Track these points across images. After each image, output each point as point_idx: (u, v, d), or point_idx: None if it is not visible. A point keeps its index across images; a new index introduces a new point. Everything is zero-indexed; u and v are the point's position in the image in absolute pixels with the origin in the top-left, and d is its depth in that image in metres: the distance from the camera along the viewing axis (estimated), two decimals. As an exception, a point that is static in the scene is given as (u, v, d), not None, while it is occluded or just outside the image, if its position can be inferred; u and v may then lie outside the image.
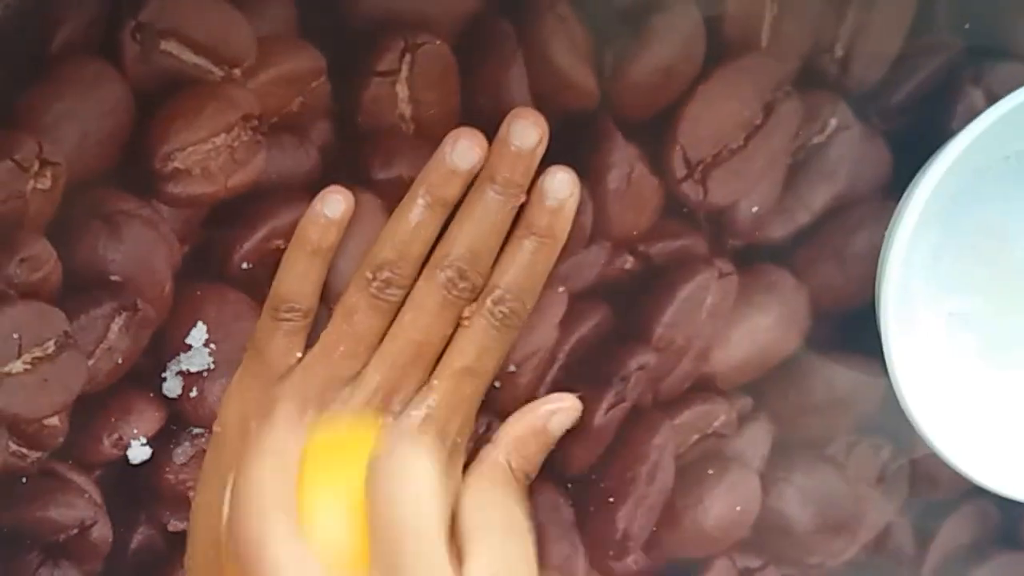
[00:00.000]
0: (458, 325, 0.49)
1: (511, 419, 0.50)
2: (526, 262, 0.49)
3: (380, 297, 0.48)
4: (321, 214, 0.49)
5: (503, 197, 0.48)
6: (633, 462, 0.51)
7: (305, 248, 0.49)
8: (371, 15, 0.49)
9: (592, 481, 0.51)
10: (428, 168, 0.49)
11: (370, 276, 0.48)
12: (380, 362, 0.49)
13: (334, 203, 0.49)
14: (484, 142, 0.48)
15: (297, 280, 0.49)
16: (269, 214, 0.49)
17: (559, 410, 0.50)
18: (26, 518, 0.49)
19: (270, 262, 0.50)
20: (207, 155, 0.48)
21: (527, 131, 0.48)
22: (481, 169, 0.48)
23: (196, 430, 0.50)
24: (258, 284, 0.50)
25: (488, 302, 0.48)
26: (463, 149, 0.48)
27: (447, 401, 0.48)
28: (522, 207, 0.49)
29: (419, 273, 0.49)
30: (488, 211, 0.48)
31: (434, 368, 0.49)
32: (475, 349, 0.48)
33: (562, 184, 0.48)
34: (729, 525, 0.52)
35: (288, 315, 0.49)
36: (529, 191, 0.49)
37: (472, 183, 0.49)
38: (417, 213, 0.48)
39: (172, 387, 0.50)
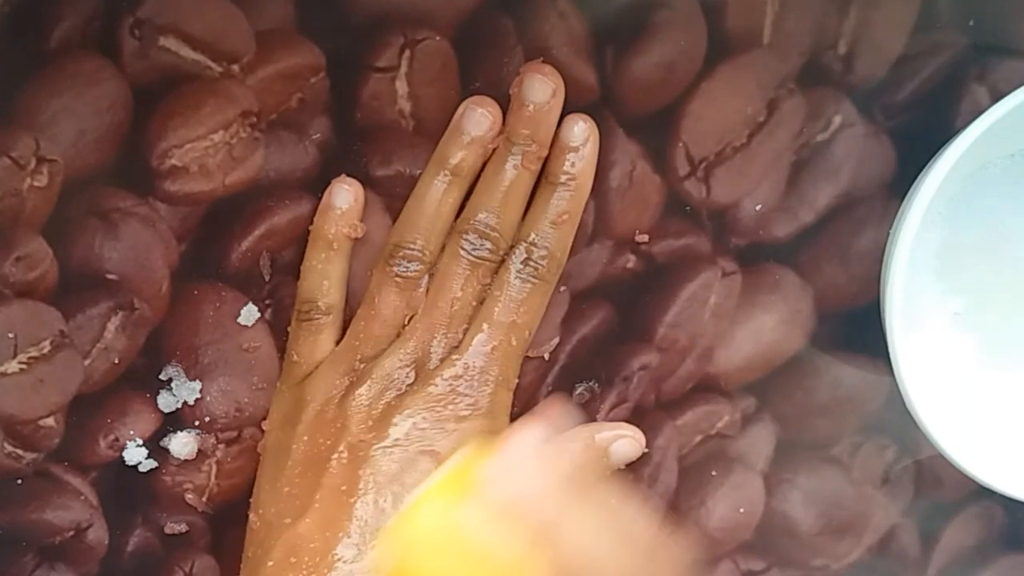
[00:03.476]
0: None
1: (572, 431, 0.49)
2: (549, 211, 0.48)
3: (400, 274, 0.48)
4: (331, 206, 0.48)
5: (521, 156, 0.48)
6: (636, 463, 0.51)
7: (318, 243, 0.48)
8: (370, 11, 0.48)
9: (594, 482, 0.51)
10: (443, 141, 0.48)
11: (389, 255, 0.48)
12: (408, 334, 0.48)
13: (342, 194, 0.48)
14: (497, 108, 0.48)
15: (315, 276, 0.49)
16: (268, 212, 0.49)
17: (624, 436, 0.49)
18: (22, 520, 0.49)
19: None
20: (205, 152, 0.48)
21: (539, 86, 0.48)
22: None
23: (194, 431, 0.50)
24: (256, 283, 0.50)
25: (514, 255, 0.48)
26: (476, 116, 0.48)
27: (478, 352, 0.48)
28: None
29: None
30: (507, 172, 0.48)
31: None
32: (503, 302, 0.48)
33: (580, 131, 0.48)
34: (732, 527, 0.52)
35: (310, 314, 0.48)
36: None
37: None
38: (435, 188, 0.48)
39: (167, 403, 0.50)
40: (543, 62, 0.48)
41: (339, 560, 0.45)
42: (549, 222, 0.48)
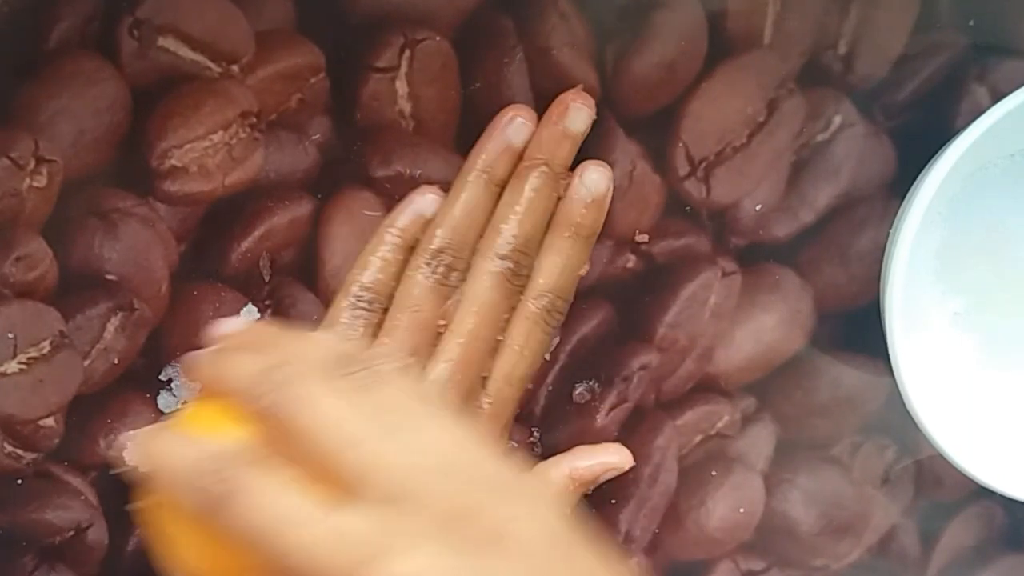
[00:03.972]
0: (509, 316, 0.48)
1: (559, 459, 0.49)
2: (570, 262, 0.48)
3: (443, 283, 0.48)
4: (419, 212, 0.48)
5: (552, 180, 0.48)
6: (635, 463, 0.51)
7: (394, 240, 0.48)
8: (370, 11, 0.48)
9: (594, 483, 0.51)
10: (482, 147, 0.48)
11: (432, 262, 0.48)
12: (446, 356, 0.47)
13: (429, 202, 0.48)
14: (536, 118, 0.48)
15: (385, 271, 0.48)
16: (267, 212, 0.49)
17: (615, 467, 0.50)
18: (21, 520, 0.49)
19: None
20: (204, 152, 0.48)
21: (582, 115, 0.48)
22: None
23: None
24: (256, 284, 0.50)
25: (541, 309, 0.48)
26: (518, 125, 0.48)
27: (494, 413, 0.48)
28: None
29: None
30: (538, 194, 0.48)
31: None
32: (527, 357, 0.48)
33: (600, 179, 0.48)
34: (732, 527, 0.52)
35: (373, 307, 0.48)
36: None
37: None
38: (475, 193, 0.48)
39: (167, 404, 0.50)
40: (583, 90, 0.48)
41: None
42: (566, 273, 0.48)
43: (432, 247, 0.48)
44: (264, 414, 0.39)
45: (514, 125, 0.48)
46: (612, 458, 0.50)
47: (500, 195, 0.48)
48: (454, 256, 0.48)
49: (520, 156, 0.48)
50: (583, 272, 0.49)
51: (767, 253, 0.51)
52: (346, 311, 0.48)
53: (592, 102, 0.48)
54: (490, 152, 0.48)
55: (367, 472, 0.37)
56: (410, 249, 0.48)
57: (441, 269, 0.48)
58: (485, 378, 0.48)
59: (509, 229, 0.48)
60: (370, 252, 0.48)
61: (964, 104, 0.50)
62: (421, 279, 0.48)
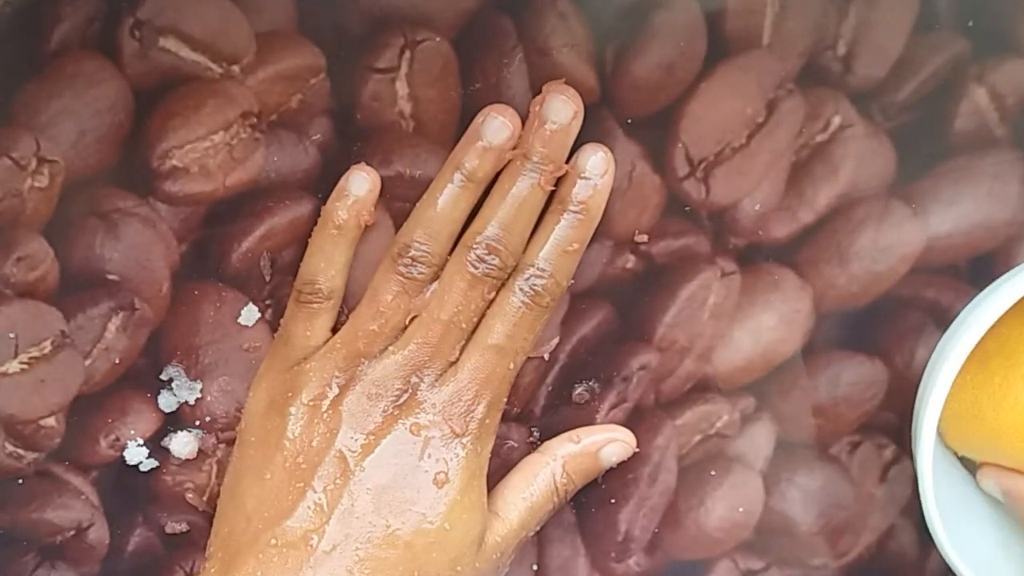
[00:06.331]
0: (490, 303, 0.48)
1: (563, 435, 0.50)
2: (559, 238, 0.48)
3: (406, 275, 0.48)
4: (345, 191, 0.48)
5: (537, 174, 0.48)
6: (635, 463, 0.51)
7: (328, 227, 0.48)
8: (370, 12, 0.48)
9: (593, 482, 0.51)
10: (459, 146, 0.48)
11: (396, 254, 0.48)
12: (407, 340, 0.48)
13: (358, 181, 0.48)
14: (517, 118, 0.48)
15: (320, 260, 0.48)
16: (268, 212, 0.49)
17: (615, 440, 0.50)
18: (23, 520, 0.49)
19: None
20: (205, 153, 0.48)
21: (562, 107, 0.48)
22: (515, 146, 0.48)
23: (195, 431, 0.50)
24: (257, 283, 0.50)
25: (519, 279, 0.48)
26: (495, 125, 0.48)
27: (473, 378, 0.48)
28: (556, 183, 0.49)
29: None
30: (521, 188, 0.48)
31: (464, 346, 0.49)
32: (504, 326, 0.48)
33: (599, 161, 0.48)
34: (731, 526, 0.52)
35: (310, 296, 0.48)
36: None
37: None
38: (447, 191, 0.48)
39: (168, 403, 0.50)
40: (565, 83, 0.48)
41: None
42: (558, 249, 0.48)
43: (396, 241, 0.48)
44: None
45: (488, 124, 0.48)
46: (618, 434, 0.50)
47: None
48: (418, 249, 0.48)
49: (506, 156, 0.48)
50: (571, 249, 0.48)
51: (766, 253, 0.51)
52: (291, 303, 0.49)
53: (574, 92, 0.48)
54: (465, 150, 0.48)
55: None
56: (352, 237, 0.49)
57: (402, 261, 0.48)
58: (454, 364, 0.48)
59: (482, 219, 0.48)
60: (311, 244, 0.49)
61: (964, 105, 0.50)
62: (382, 272, 0.48)
